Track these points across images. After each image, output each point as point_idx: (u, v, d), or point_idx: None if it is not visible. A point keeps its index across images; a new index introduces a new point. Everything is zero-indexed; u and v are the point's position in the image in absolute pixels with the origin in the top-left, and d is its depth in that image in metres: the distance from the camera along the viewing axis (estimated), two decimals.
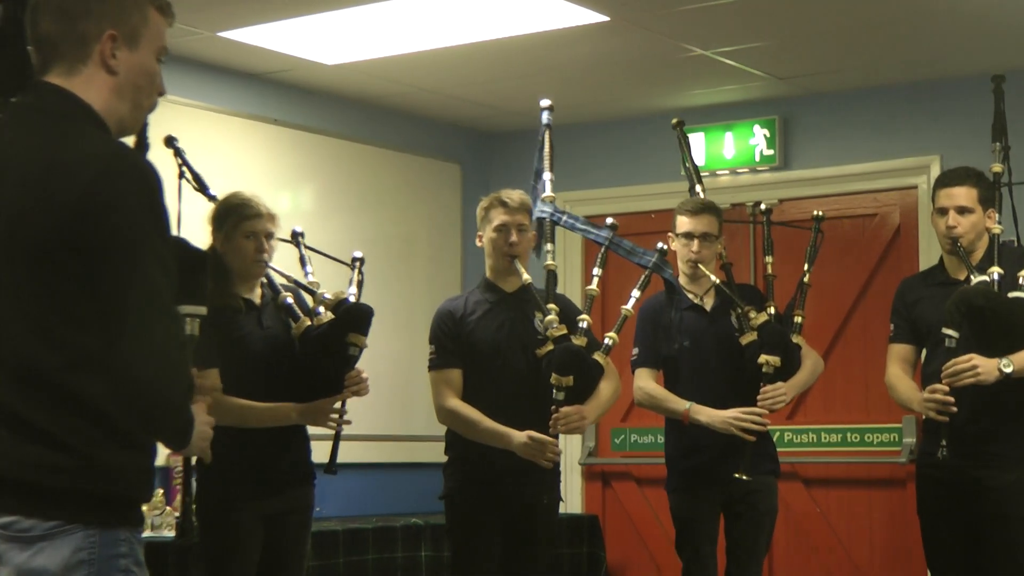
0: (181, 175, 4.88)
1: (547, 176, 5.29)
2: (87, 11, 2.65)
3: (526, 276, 5.15)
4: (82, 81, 2.66)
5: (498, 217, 5.16)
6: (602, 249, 5.31)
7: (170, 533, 5.72)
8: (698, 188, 5.89)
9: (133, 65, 2.70)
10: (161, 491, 5.95)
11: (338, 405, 4.91)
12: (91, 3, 2.65)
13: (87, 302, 2.51)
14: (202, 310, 2.90)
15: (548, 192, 5.26)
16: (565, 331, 5.02)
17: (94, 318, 2.51)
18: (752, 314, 5.48)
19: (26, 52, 2.76)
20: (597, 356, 5.07)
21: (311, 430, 5.03)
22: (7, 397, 2.53)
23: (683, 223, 5.57)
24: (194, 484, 5.26)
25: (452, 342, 5.14)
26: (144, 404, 2.54)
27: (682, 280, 5.64)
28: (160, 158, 4.88)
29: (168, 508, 5.90)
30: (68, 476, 2.51)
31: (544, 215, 5.24)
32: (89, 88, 2.66)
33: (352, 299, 5.03)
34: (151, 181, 2.59)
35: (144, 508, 5.45)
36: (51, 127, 2.62)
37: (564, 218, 5.26)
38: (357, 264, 5.18)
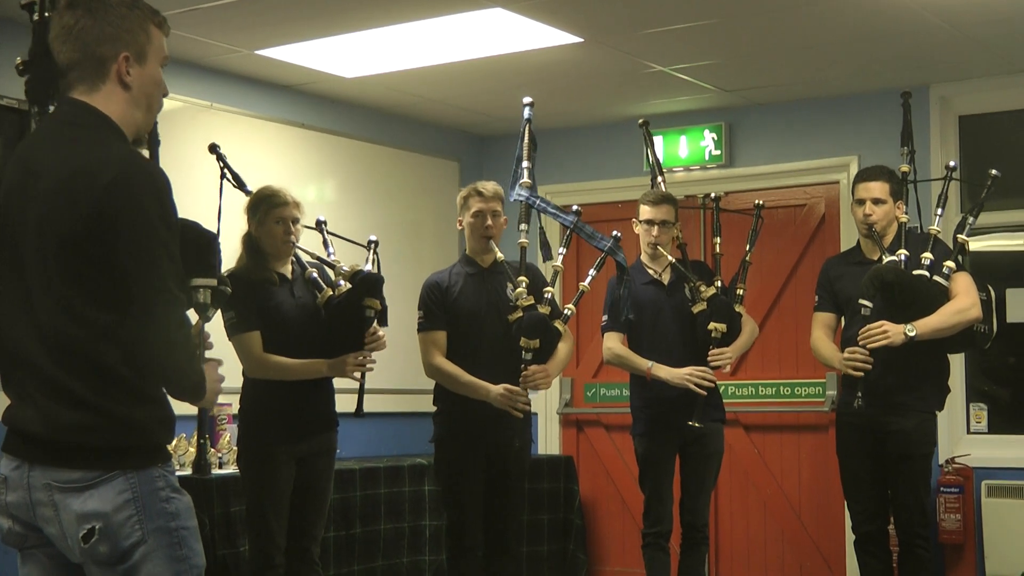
0: (223, 176, 4.88)
1: (525, 164, 5.27)
2: (102, 37, 2.65)
3: (499, 254, 5.18)
4: (102, 96, 2.66)
5: (475, 205, 5.15)
6: (568, 231, 5.34)
7: (216, 470, 5.72)
8: (659, 179, 5.88)
9: (144, 77, 2.70)
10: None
11: (361, 359, 4.90)
12: (105, 29, 2.65)
13: (105, 285, 2.54)
14: (212, 282, 2.91)
15: (525, 178, 5.25)
16: (532, 301, 5.05)
17: (111, 299, 2.55)
18: (702, 288, 5.51)
19: (52, 69, 2.77)
20: (557, 323, 5.09)
21: (338, 384, 5.02)
22: (47, 365, 2.56)
23: (645, 211, 5.58)
24: (235, 429, 5.33)
25: (439, 308, 5.13)
26: (149, 370, 2.58)
27: (643, 258, 5.66)
28: (205, 159, 4.95)
29: (212, 450, 5.89)
30: (100, 435, 2.55)
31: (520, 198, 5.23)
32: (109, 102, 2.66)
33: (368, 270, 5.01)
34: (159, 181, 2.59)
35: (192, 450, 5.48)
36: (76, 137, 2.63)
37: (537, 201, 5.24)
38: (372, 246, 5.17)
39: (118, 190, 2.52)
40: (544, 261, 5.32)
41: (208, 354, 2.90)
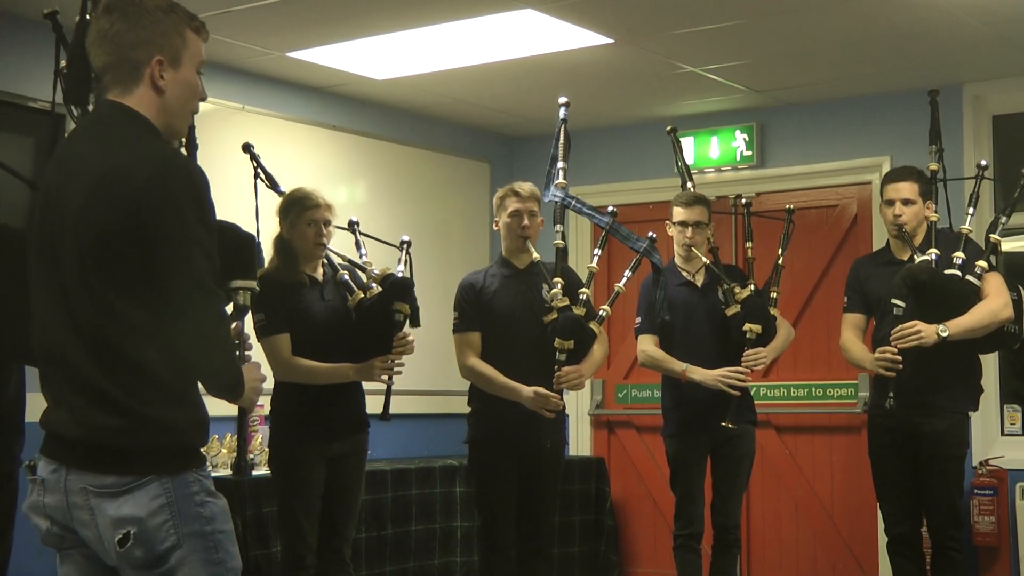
0: (256, 175, 4.89)
1: (560, 164, 5.27)
2: (136, 42, 2.65)
3: (536, 255, 5.19)
4: (135, 99, 2.67)
5: (512, 205, 5.17)
6: (603, 232, 5.34)
7: (255, 471, 5.77)
8: (689, 184, 5.89)
9: (178, 82, 2.70)
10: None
11: (388, 362, 4.91)
12: (139, 34, 2.65)
13: (141, 283, 2.54)
14: (251, 283, 2.90)
15: (561, 179, 5.25)
16: (568, 302, 5.06)
17: (146, 296, 2.54)
18: (736, 290, 5.51)
19: (89, 70, 2.76)
20: (592, 324, 5.10)
21: (367, 386, 5.03)
22: (84, 364, 2.56)
23: (679, 213, 5.57)
24: (266, 431, 5.37)
25: (473, 309, 5.15)
26: (186, 367, 2.58)
27: (677, 261, 5.65)
28: (238, 161, 4.98)
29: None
30: (133, 438, 2.55)
31: (556, 199, 5.23)
32: (142, 105, 2.67)
33: (399, 275, 5.01)
34: (196, 179, 2.59)
35: (224, 452, 5.53)
36: (112, 136, 2.63)
37: (573, 202, 5.24)
38: (405, 247, 5.17)
39: (154, 188, 2.53)
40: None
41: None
